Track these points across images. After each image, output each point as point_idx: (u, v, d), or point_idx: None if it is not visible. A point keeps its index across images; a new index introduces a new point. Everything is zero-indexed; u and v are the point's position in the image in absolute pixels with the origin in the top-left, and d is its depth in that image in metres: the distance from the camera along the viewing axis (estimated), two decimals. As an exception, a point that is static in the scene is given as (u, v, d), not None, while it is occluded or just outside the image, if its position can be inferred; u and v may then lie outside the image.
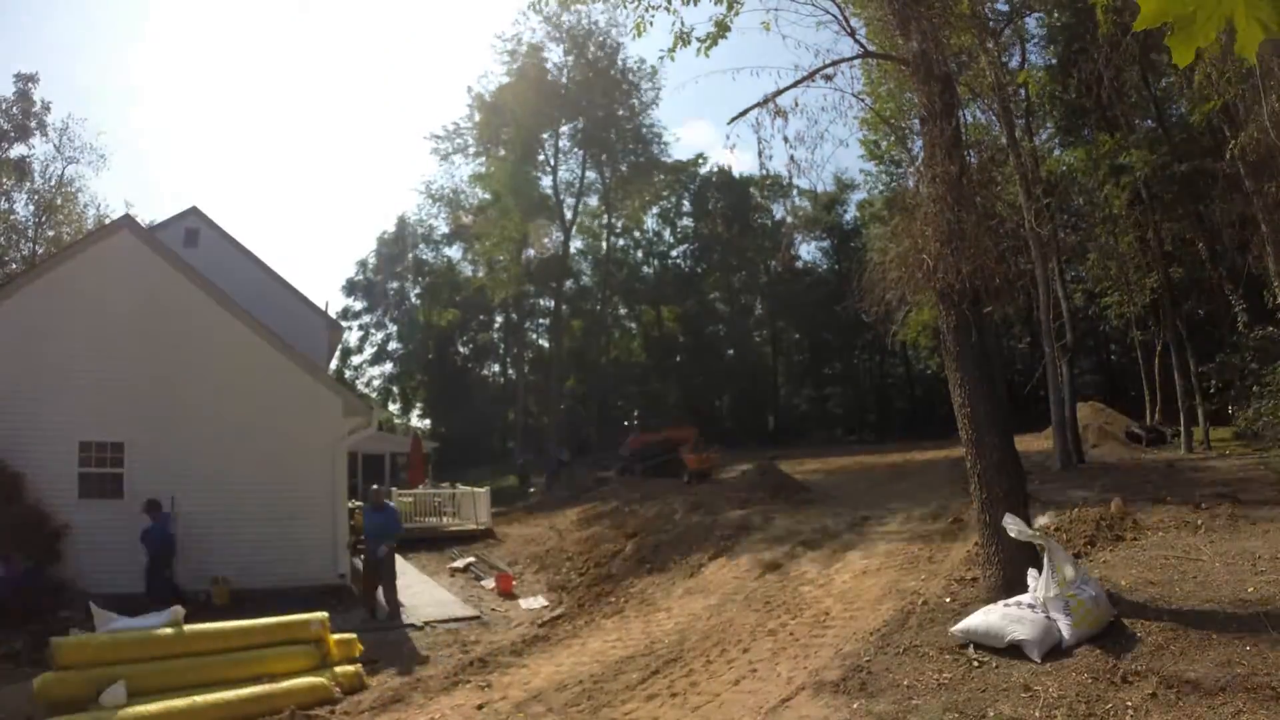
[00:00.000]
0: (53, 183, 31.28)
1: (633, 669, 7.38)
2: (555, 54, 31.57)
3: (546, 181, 33.50)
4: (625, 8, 8.45)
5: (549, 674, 7.82)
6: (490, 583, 13.62)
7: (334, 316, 25.86)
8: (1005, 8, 18.16)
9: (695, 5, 8.11)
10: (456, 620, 10.86)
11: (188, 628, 7.41)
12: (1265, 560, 6.39)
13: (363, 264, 45.16)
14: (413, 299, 44.71)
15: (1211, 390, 16.07)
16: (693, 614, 9.54)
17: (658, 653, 7.90)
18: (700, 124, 66.41)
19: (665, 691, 6.44)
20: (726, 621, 8.64)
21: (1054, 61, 19.64)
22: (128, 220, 13.26)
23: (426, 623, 10.57)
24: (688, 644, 8.01)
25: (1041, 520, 9.32)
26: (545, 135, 32.49)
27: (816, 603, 8.67)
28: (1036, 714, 4.50)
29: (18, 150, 29.77)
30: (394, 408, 43.70)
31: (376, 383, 45.77)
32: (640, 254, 44.93)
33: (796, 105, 7.70)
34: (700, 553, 12.73)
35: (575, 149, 33.25)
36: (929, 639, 5.84)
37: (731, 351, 43.21)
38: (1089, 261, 24.40)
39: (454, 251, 43.38)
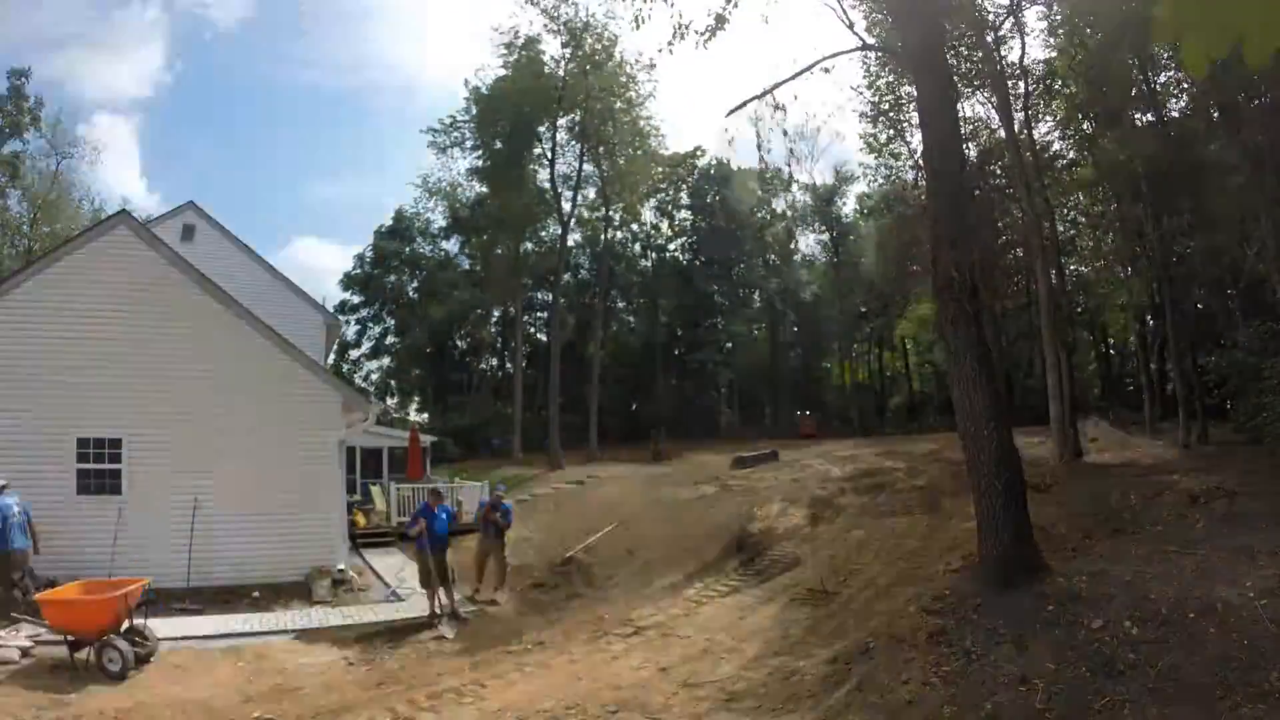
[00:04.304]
0: (47, 178, 31.15)
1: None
2: (552, 46, 31.40)
3: (544, 174, 33.38)
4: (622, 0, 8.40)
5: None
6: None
7: (331, 311, 25.76)
8: (1005, 1, 18.07)
9: (693, -2, 8.07)
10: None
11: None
12: (1264, 555, 6.40)
13: (360, 258, 45.07)
14: (410, 293, 44.58)
15: (1211, 385, 16.05)
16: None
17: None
18: (698, 117, 66.18)
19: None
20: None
21: (1054, 55, 19.55)
22: (124, 215, 13.15)
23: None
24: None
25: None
26: (543, 128, 32.33)
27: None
28: (1035, 706, 4.51)
29: (11, 146, 29.60)
30: (392, 401, 43.53)
31: (374, 376, 45.64)
32: (638, 247, 44.80)
33: (795, 98, 7.69)
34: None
35: (573, 142, 33.08)
36: (927, 635, 5.85)
37: (730, 345, 43.12)
38: (1088, 256, 24.35)
39: (451, 245, 43.27)
